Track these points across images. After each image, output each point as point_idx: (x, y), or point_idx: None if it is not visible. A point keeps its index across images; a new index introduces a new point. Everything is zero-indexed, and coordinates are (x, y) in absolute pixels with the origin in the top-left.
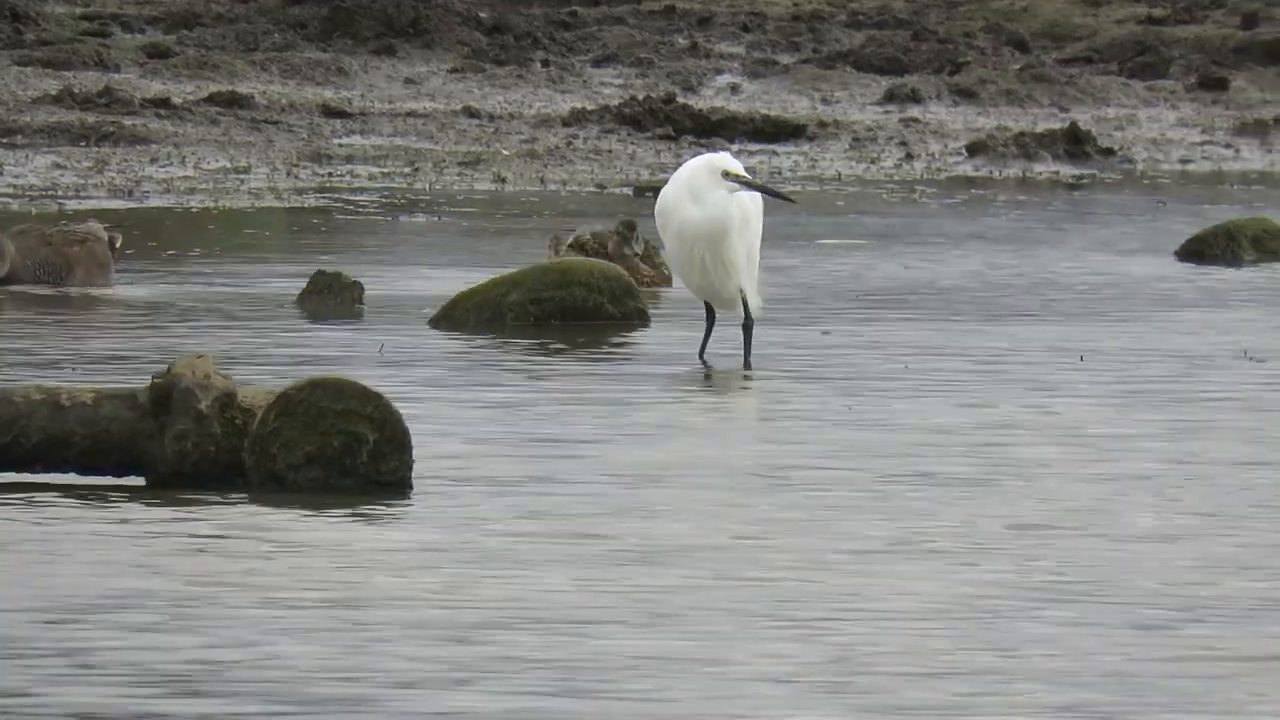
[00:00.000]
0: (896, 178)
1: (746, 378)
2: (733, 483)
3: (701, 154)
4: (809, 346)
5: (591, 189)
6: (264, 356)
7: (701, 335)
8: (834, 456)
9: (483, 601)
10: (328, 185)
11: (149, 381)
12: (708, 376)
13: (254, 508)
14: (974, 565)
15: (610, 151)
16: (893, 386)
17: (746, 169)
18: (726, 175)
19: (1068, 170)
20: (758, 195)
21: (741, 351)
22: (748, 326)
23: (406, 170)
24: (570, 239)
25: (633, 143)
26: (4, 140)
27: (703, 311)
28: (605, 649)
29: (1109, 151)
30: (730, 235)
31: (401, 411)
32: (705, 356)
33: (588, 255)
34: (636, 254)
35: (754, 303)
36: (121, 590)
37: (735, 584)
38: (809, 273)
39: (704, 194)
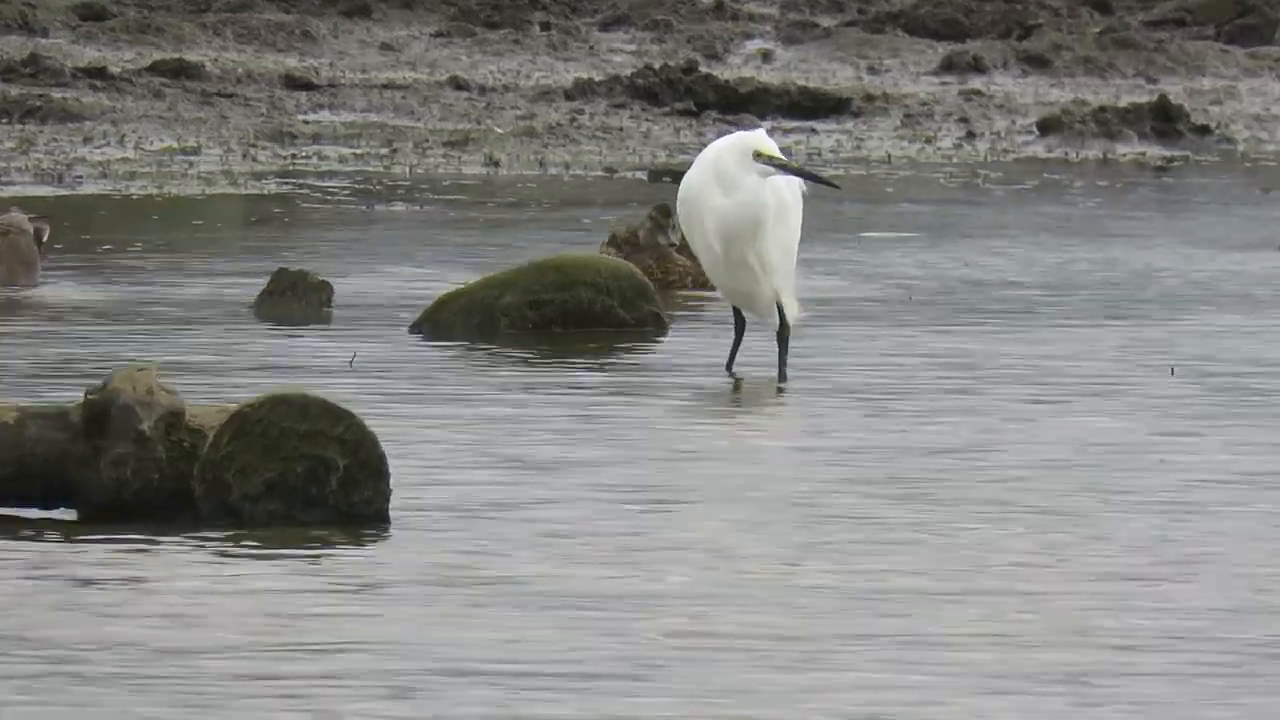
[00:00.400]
0: (956, 160)
1: (781, 393)
2: (758, 516)
3: (730, 132)
4: (854, 357)
5: (599, 173)
6: (217, 368)
7: (729, 345)
8: (877, 483)
9: (465, 652)
10: (291, 169)
11: (82, 397)
12: (736, 392)
13: (203, 544)
14: (1031, 615)
15: (621, 129)
16: (948, 404)
17: (781, 150)
18: (759, 157)
19: (1156, 151)
20: (796, 181)
21: (776, 364)
22: (783, 336)
23: (383, 151)
24: (607, 238)
25: (647, 119)
26: None
27: (731, 317)
28: (596, 709)
29: (1204, 130)
30: (765, 228)
31: (377, 433)
32: (734, 369)
33: (624, 253)
34: (673, 244)
35: (791, 308)
36: (27, 640)
37: (752, 637)
38: (853, 271)
39: (734, 180)
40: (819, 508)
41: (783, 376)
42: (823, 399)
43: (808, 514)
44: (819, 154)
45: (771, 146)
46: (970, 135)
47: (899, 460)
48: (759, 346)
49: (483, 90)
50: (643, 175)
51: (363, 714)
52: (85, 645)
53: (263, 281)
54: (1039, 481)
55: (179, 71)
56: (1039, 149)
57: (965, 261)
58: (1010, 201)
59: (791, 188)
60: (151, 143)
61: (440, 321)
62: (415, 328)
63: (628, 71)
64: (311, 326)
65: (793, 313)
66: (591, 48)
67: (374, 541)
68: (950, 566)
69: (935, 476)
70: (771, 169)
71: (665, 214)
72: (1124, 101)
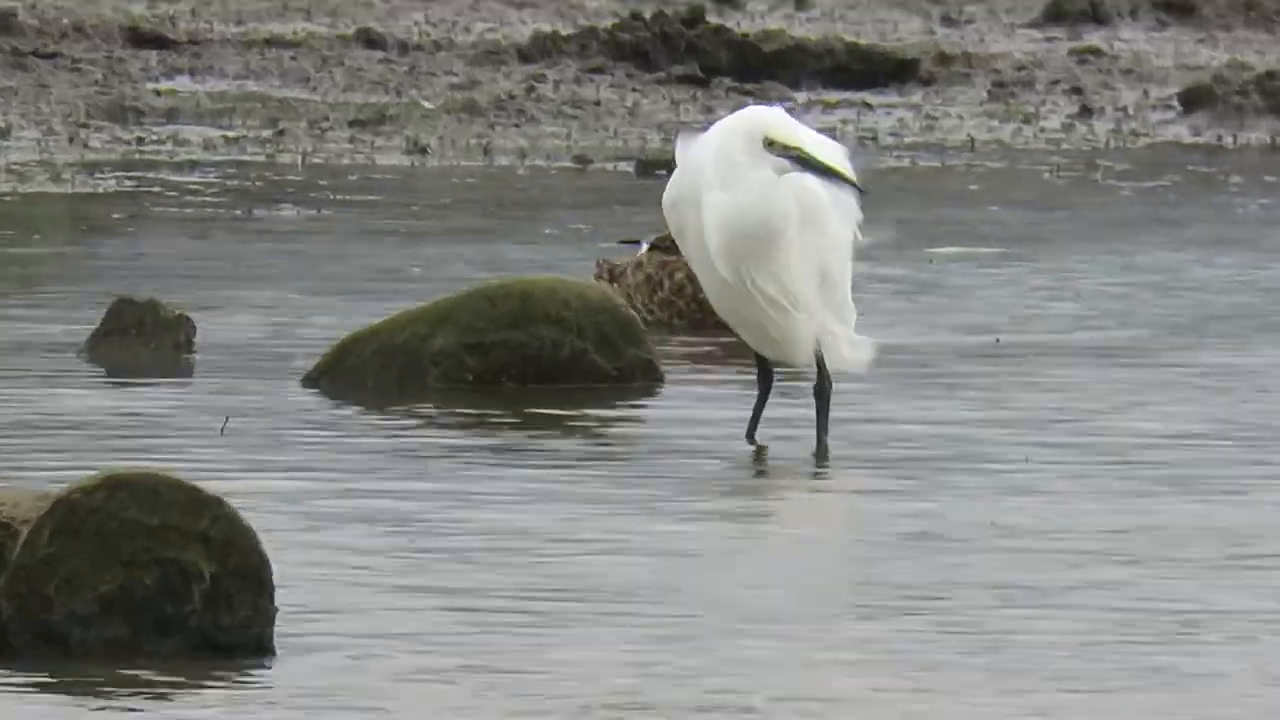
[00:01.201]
0: (1066, 146)
1: (818, 472)
2: (782, 642)
3: (747, 107)
4: (919, 421)
5: (567, 164)
6: (32, 437)
7: (752, 405)
8: (942, 590)
9: None
10: (137, 157)
11: None
12: (758, 468)
13: (12, 686)
14: None
15: (598, 104)
16: (1045, 486)
17: (824, 132)
18: (772, 145)
19: None
20: (846, 167)
21: (815, 430)
22: (822, 391)
23: (266, 134)
24: (642, 248)
25: (634, 89)
26: None
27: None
28: None
29: None
30: (781, 239)
31: (257, 528)
32: (756, 438)
33: (674, 259)
34: None
35: (841, 354)
36: None
37: None
38: (921, 301)
39: (739, 172)
40: (873, 639)
41: (822, 449)
42: (878, 478)
43: (853, 645)
44: (873, 138)
45: (788, 127)
46: (1086, 111)
47: (978, 564)
48: (791, 404)
49: (404, 48)
50: (628, 167)
51: None
52: None
53: (98, 316)
54: (1142, 601)
55: None
56: (1182, 130)
57: (1076, 290)
58: (1140, 203)
59: (835, 184)
60: None
61: (345, 371)
62: (310, 380)
63: (607, 23)
64: (165, 378)
65: (845, 360)
66: None
67: (252, 680)
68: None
69: (1014, 582)
70: (787, 162)
71: None
72: None
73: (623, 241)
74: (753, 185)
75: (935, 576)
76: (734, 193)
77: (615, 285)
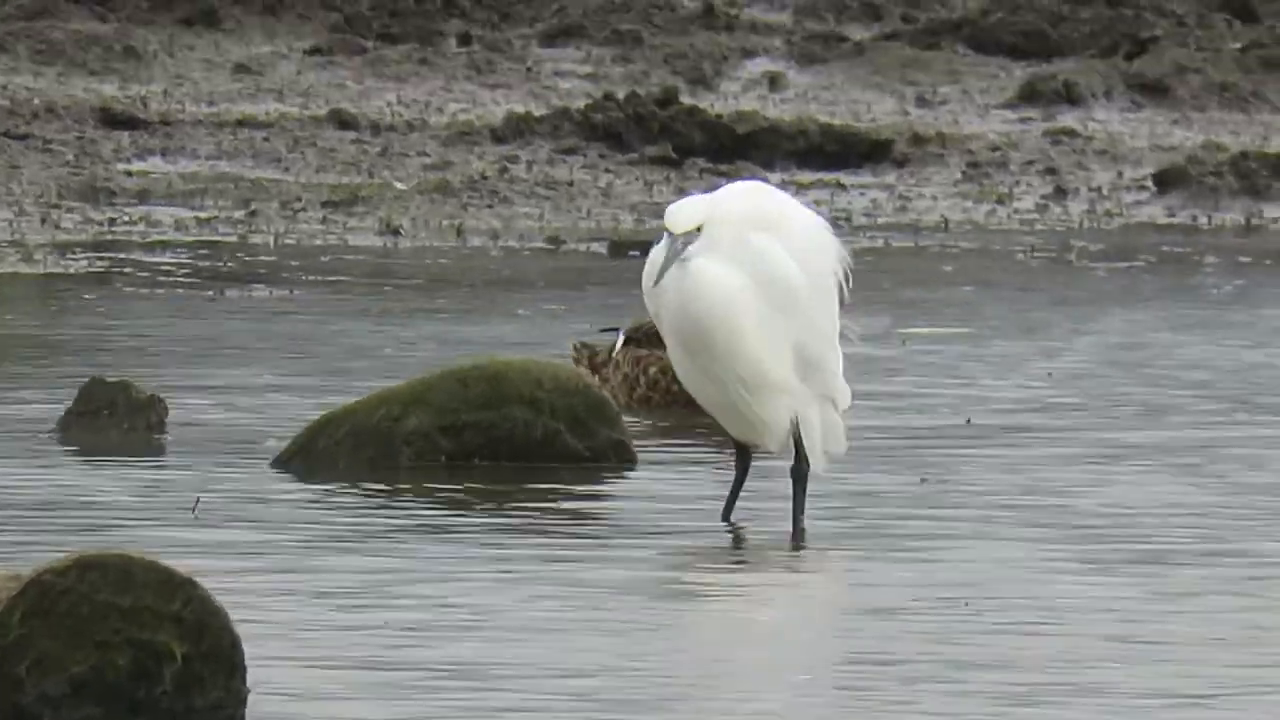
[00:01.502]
0: (1040, 227)
1: (796, 551)
2: None
3: (719, 186)
4: (894, 503)
5: (540, 245)
6: (3, 516)
7: (728, 486)
8: (917, 669)
9: None
10: (108, 238)
11: None
12: (735, 551)
13: None
14: None
15: (571, 184)
16: (1017, 559)
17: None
18: (672, 236)
19: None
20: (827, 241)
21: (791, 511)
22: (798, 473)
23: (238, 215)
24: (620, 332)
25: (608, 169)
26: None
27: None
28: None
29: None
30: (723, 328)
31: (229, 609)
32: (733, 518)
33: (645, 354)
34: None
35: (815, 450)
36: None
37: None
38: (893, 382)
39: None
40: (848, 715)
41: (798, 530)
42: (852, 559)
43: None
44: (848, 218)
45: (688, 213)
46: (1060, 192)
47: (957, 645)
48: (769, 484)
49: (377, 129)
50: (601, 248)
51: None
52: None
53: (70, 397)
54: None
55: None
56: (1156, 211)
57: (1049, 371)
58: (1114, 283)
59: (821, 251)
60: None
61: (317, 452)
62: (282, 461)
63: (580, 103)
64: (137, 459)
65: (816, 456)
66: (530, 69)
67: None
68: None
69: (995, 662)
70: (680, 250)
71: None
72: (1276, 145)
73: (603, 330)
74: (690, 268)
75: (910, 654)
76: (676, 278)
77: (596, 377)
